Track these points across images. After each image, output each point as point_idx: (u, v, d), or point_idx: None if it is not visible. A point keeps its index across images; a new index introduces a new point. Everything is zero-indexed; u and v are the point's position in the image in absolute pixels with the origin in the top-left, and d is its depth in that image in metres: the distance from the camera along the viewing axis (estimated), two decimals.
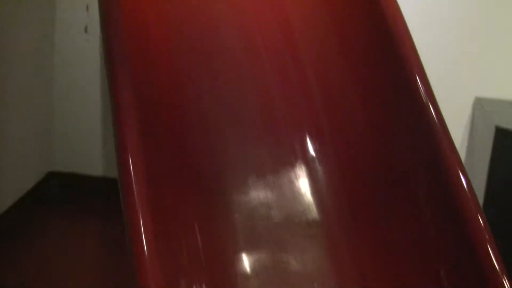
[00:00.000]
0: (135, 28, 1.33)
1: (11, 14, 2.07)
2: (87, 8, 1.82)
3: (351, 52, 1.43)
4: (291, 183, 1.40)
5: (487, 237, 1.08)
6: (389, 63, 1.32)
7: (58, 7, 2.32)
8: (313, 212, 1.37)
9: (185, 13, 1.47)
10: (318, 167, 1.42)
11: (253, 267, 1.26)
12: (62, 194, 2.42)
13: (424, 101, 1.21)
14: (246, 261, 1.27)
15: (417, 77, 1.23)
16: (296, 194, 1.39)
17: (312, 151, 1.43)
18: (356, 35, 1.43)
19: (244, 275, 1.25)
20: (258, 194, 1.37)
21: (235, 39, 1.50)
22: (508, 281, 1.03)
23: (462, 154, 2.30)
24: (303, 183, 1.40)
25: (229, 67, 1.48)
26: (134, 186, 1.01)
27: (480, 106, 2.20)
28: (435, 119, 1.20)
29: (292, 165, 1.42)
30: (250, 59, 1.49)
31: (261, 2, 1.56)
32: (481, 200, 1.91)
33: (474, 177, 2.08)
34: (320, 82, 1.47)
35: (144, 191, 1.01)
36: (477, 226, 1.10)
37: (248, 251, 1.28)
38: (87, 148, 2.45)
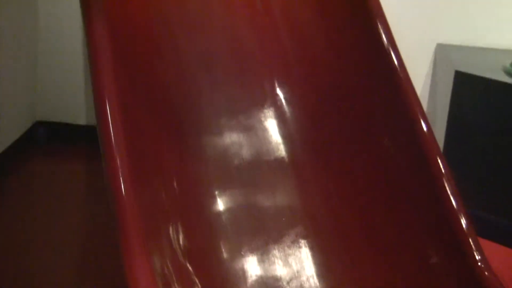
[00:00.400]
0: None
1: None
2: None
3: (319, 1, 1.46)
4: (261, 124, 1.46)
5: (446, 180, 1.16)
6: (355, 13, 1.37)
7: None
8: (282, 150, 1.44)
9: None
10: (286, 108, 1.48)
11: (226, 204, 1.33)
12: (48, 141, 2.51)
13: (386, 48, 1.27)
14: (219, 199, 1.33)
15: (379, 25, 1.29)
16: (265, 134, 1.45)
17: (280, 93, 1.48)
18: None
19: (218, 212, 1.31)
20: (231, 134, 1.42)
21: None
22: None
23: (425, 96, 2.40)
24: (272, 124, 1.46)
25: (203, 12, 1.49)
26: (111, 129, 1.03)
27: (441, 51, 2.28)
28: (397, 66, 1.26)
29: (262, 106, 1.47)
30: (222, 4, 1.51)
31: None
32: (442, 136, 2.02)
33: (436, 116, 2.20)
34: (290, 28, 1.51)
35: (120, 133, 1.04)
36: (438, 168, 1.18)
37: (221, 189, 1.34)
38: (72, 98, 2.52)
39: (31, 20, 2.45)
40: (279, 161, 1.43)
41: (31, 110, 2.55)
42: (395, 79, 1.27)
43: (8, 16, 2.26)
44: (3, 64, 2.24)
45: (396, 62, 1.27)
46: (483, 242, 1.13)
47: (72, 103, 2.53)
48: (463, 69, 1.96)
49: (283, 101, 1.49)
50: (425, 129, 1.20)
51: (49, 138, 2.51)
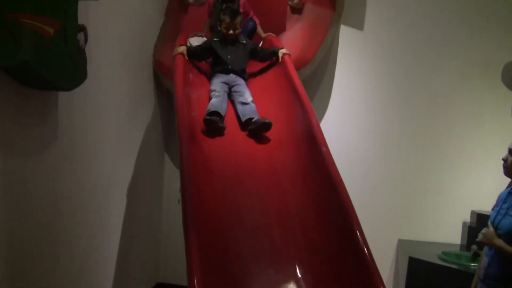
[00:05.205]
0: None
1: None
2: (179, 202, 2.73)
3: (320, 217, 2.49)
4: None
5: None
6: (343, 229, 2.34)
7: (165, 190, 3.43)
8: None
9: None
10: (303, 285, 2.41)
11: None
12: None
13: (361, 246, 2.22)
14: None
15: (357, 231, 2.23)
16: None
17: (299, 274, 2.43)
18: (324, 208, 2.48)
19: None
20: None
21: (257, 211, 2.58)
22: None
23: (392, 274, 3.38)
24: None
25: (251, 221, 2.53)
26: None
27: (401, 244, 3.30)
28: (368, 258, 2.18)
29: (289, 281, 2.40)
30: (264, 220, 2.54)
31: (270, 193, 2.67)
32: None
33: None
34: (304, 234, 2.50)
35: None
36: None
37: None
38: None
39: (158, 215, 3.26)
40: None
41: (155, 272, 3.20)
42: (367, 270, 2.18)
43: (143, 190, 3.07)
44: (137, 228, 2.92)
45: (369, 258, 2.18)
46: None
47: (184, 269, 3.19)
48: (414, 255, 2.95)
49: (301, 278, 2.43)
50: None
51: None
